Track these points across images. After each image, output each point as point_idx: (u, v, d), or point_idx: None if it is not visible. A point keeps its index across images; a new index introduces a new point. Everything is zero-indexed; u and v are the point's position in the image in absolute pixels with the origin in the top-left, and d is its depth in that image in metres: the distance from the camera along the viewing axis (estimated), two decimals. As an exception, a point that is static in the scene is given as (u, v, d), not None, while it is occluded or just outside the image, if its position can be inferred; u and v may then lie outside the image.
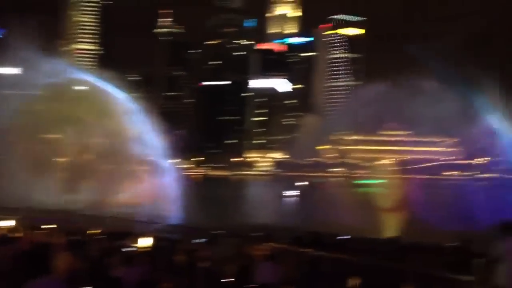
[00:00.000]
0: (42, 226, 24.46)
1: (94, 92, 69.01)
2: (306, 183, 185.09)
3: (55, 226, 26.34)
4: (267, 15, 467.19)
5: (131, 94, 72.83)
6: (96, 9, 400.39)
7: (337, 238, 21.19)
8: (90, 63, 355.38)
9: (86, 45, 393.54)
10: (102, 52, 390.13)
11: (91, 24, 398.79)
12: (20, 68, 78.98)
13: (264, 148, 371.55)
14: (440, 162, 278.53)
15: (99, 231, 24.84)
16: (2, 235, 17.98)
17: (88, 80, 73.31)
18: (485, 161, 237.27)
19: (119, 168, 66.76)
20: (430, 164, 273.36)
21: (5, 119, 64.50)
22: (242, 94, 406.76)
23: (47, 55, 70.06)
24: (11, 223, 25.60)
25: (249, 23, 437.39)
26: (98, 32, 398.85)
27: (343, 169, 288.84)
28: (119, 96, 68.39)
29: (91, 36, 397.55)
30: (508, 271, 11.71)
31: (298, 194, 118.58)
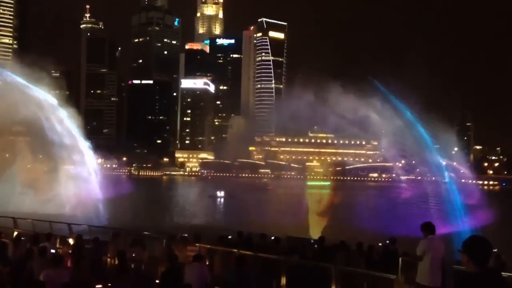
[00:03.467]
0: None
1: (10, 89, 65.50)
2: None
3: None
4: (197, 15, 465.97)
5: (52, 91, 69.88)
6: (11, 0, 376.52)
7: (265, 238, 21.39)
8: (6, 58, 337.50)
9: (1, 38, 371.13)
10: (16, 46, 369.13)
11: (7, 16, 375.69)
12: None
13: (192, 148, 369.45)
14: (364, 164, 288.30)
15: (19, 232, 23.79)
16: None
17: (4, 75, 69.59)
18: (402, 165, 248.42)
19: (40, 168, 64.37)
20: (356, 166, 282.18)
21: None
22: (170, 94, 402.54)
23: None
24: None
25: (175, 22, 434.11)
26: (13, 25, 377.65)
27: (270, 170, 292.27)
28: (37, 93, 65.44)
29: (6, 29, 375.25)
30: (430, 268, 12.44)
31: (224, 195, 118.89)
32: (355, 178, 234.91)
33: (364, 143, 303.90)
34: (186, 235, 22.38)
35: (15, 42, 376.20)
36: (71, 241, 20.25)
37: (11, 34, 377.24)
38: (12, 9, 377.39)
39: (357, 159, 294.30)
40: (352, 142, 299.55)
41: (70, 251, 17.93)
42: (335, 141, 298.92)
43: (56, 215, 40.69)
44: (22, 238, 19.70)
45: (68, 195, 56.82)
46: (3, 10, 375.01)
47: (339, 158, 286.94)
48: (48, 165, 64.06)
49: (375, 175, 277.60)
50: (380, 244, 20.37)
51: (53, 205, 52.47)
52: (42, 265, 13.79)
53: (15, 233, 22.91)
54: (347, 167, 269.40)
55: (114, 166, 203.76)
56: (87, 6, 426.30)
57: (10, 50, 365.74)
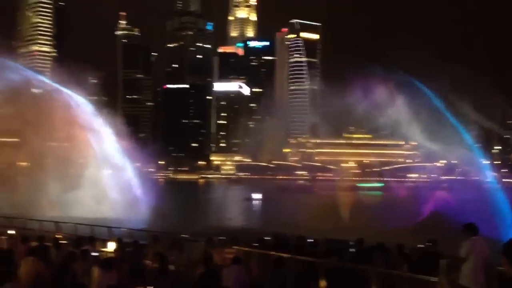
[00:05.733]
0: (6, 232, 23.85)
1: (50, 95, 67.38)
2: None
3: (14, 232, 25.72)
4: (229, 18, 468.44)
5: (89, 97, 71.55)
6: (50, 10, 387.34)
7: (302, 240, 21.27)
8: (46, 66, 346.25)
9: (41, 47, 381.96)
10: (55, 54, 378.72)
11: (46, 25, 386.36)
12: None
13: (227, 151, 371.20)
14: (402, 165, 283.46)
15: (62, 236, 24.37)
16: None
17: (44, 82, 71.62)
18: (443, 165, 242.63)
19: (79, 173, 65.67)
20: (394, 166, 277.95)
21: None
22: (205, 97, 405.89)
23: (2, 57, 68.25)
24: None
25: (208, 26, 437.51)
26: (52, 34, 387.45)
27: (306, 172, 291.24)
28: (76, 99, 67.09)
29: (46, 37, 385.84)
30: (473, 270, 12.15)
31: (261, 198, 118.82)
32: (393, 179, 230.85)
33: (402, 143, 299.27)
34: (223, 238, 22.49)
35: (54, 50, 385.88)
36: (112, 244, 20.59)
37: (50, 43, 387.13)
38: (51, 19, 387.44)
39: (395, 159, 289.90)
40: (390, 142, 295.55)
41: (113, 254, 18.25)
42: (372, 142, 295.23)
43: (97, 218, 41.49)
44: (65, 242, 20.16)
45: (108, 199, 57.87)
46: (42, 19, 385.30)
47: (377, 159, 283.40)
48: (88, 170, 65.34)
49: (414, 175, 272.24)
50: (421, 245, 19.99)
51: (94, 209, 53.50)
52: (84, 267, 14.08)
53: (56, 236, 23.47)
54: (384, 168, 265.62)
55: (151, 170, 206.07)
56: (123, 13, 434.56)
57: (50, 58, 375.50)
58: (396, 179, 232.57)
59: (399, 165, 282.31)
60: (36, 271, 12.46)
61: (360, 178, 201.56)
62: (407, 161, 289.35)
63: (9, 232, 25.06)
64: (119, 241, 19.99)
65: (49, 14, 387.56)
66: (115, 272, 13.01)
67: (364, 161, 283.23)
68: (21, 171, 67.96)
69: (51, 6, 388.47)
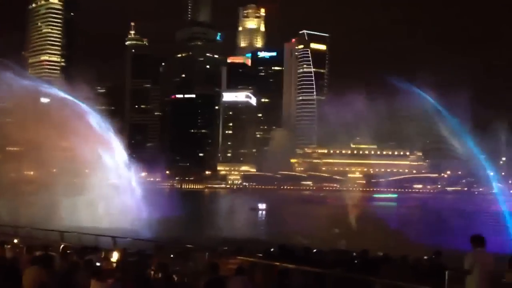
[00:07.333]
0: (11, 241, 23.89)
1: (58, 105, 67.72)
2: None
3: (16, 241, 25.78)
4: (239, 28, 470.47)
5: (97, 107, 71.85)
6: (59, 20, 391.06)
7: (308, 251, 21.18)
8: (54, 75, 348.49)
9: (50, 57, 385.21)
10: (64, 64, 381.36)
11: (55, 35, 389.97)
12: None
13: (234, 161, 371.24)
14: (407, 176, 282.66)
15: (65, 246, 24.36)
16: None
17: (52, 92, 72.00)
18: (448, 176, 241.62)
19: (85, 182, 65.81)
20: (399, 177, 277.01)
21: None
22: (213, 107, 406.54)
23: (11, 67, 68.61)
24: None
25: (218, 36, 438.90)
26: (61, 44, 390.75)
27: (312, 182, 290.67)
28: (84, 109, 67.40)
29: (55, 47, 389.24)
30: (480, 282, 12.01)
31: (266, 208, 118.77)
32: (398, 190, 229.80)
33: (408, 153, 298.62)
34: (227, 248, 22.41)
35: (63, 60, 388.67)
36: (115, 254, 20.56)
37: (59, 52, 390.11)
38: (60, 29, 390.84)
39: (400, 170, 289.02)
40: (396, 153, 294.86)
41: (114, 264, 18.21)
42: (378, 152, 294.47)
43: (102, 228, 41.47)
44: (69, 252, 20.14)
45: (112, 209, 57.90)
46: (52, 29, 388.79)
47: (382, 170, 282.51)
48: (94, 179, 65.46)
49: (420, 186, 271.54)
50: (426, 257, 19.88)
51: (98, 219, 53.55)
52: (87, 277, 14.04)
53: (62, 246, 23.48)
54: (390, 179, 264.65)
55: (157, 179, 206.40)
56: (132, 24, 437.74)
57: (58, 67, 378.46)
58: (401, 190, 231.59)
59: (404, 176, 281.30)
60: (39, 280, 12.45)
61: (371, 189, 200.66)
62: (413, 171, 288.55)
63: (14, 241, 25.10)
64: (122, 251, 19.95)
65: (58, 25, 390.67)
66: (111, 282, 12.92)
67: (370, 171, 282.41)
68: (28, 180, 68.20)
69: (61, 17, 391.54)
